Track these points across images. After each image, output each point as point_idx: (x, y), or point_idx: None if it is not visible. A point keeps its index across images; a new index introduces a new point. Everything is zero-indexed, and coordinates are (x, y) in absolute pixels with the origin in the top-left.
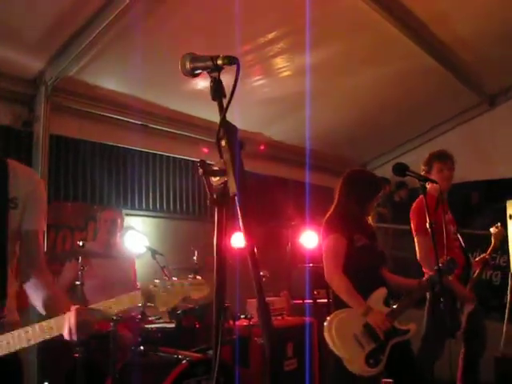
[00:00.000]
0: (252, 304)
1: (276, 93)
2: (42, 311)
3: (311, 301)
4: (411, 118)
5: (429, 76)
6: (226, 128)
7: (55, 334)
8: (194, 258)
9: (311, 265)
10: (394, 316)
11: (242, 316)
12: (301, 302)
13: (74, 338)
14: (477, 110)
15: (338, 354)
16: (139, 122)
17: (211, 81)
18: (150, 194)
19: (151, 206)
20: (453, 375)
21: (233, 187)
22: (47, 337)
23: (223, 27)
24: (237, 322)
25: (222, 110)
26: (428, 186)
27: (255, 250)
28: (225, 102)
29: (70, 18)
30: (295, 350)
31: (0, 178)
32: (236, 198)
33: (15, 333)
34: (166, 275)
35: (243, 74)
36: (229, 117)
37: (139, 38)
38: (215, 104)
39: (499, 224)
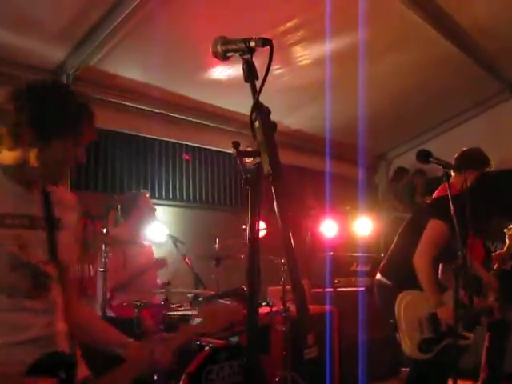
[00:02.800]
0: (273, 292)
1: (295, 82)
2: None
3: (331, 289)
4: (432, 106)
5: (450, 64)
6: (259, 109)
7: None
8: (216, 246)
9: (331, 253)
10: (460, 318)
11: (264, 303)
12: (321, 290)
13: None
14: (498, 97)
15: (398, 327)
16: (159, 111)
17: (243, 63)
18: (170, 183)
19: (171, 196)
20: (477, 363)
21: (267, 167)
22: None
23: (243, 16)
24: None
25: (255, 92)
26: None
27: (290, 230)
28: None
29: (92, 8)
30: (316, 338)
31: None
32: (270, 177)
33: None
34: (187, 263)
35: (262, 63)
36: (247, 106)
37: (160, 26)
38: (234, 93)
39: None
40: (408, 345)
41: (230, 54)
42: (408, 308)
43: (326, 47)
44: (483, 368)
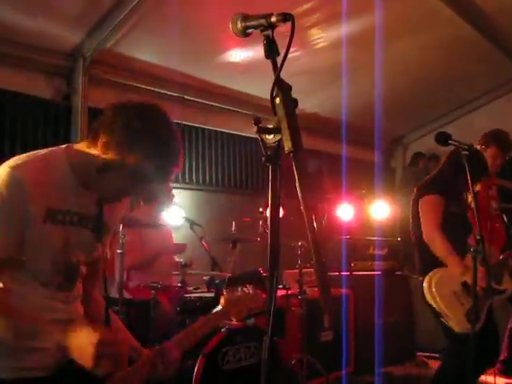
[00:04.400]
0: (289, 275)
1: (312, 64)
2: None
3: (348, 273)
4: (450, 90)
5: (469, 47)
6: (281, 86)
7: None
8: (232, 229)
9: (348, 237)
10: (490, 275)
11: (280, 286)
12: (337, 273)
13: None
14: None
15: (439, 311)
16: (176, 94)
17: (264, 39)
18: (187, 166)
19: (187, 179)
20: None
21: (288, 144)
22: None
23: None
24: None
25: (276, 69)
26: None
27: (311, 209)
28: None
29: None
30: (331, 321)
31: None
32: (292, 154)
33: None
34: (204, 246)
35: (280, 45)
36: (264, 89)
37: (175, 8)
38: (251, 76)
39: None
40: (455, 321)
41: (250, 31)
42: (439, 287)
43: (343, 30)
44: (504, 349)
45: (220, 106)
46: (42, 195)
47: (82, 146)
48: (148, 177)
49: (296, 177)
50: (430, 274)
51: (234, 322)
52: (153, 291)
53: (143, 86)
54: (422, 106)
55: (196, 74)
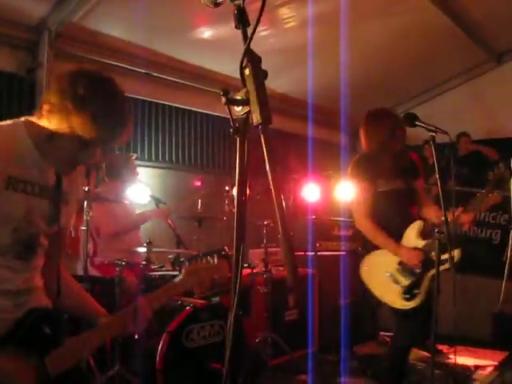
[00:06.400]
0: (255, 254)
1: (281, 44)
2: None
3: (313, 253)
4: (418, 73)
5: (438, 31)
6: (250, 57)
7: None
8: (198, 207)
9: (314, 217)
10: (430, 247)
11: (246, 265)
12: (303, 253)
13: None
14: (485, 66)
15: (375, 294)
16: (143, 71)
17: (235, 9)
18: (153, 144)
19: (154, 157)
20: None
21: (257, 116)
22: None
23: None
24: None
25: (246, 39)
26: None
27: (280, 183)
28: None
29: None
30: (296, 300)
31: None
32: (260, 127)
33: None
34: (170, 224)
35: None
36: (232, 67)
37: None
38: (222, 54)
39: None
40: (392, 299)
41: (220, 1)
42: (374, 270)
43: (310, 10)
44: None
45: (189, 83)
46: (3, 163)
47: (35, 118)
48: (95, 140)
49: (264, 150)
50: (366, 257)
51: (199, 299)
52: (118, 268)
53: (110, 62)
54: (389, 88)
55: (165, 50)
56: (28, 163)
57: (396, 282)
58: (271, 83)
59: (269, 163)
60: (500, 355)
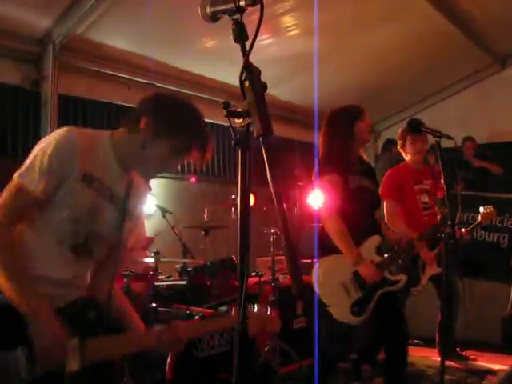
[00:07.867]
0: (262, 262)
1: (284, 52)
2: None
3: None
4: (422, 78)
5: (441, 36)
6: (250, 69)
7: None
8: (204, 216)
9: (320, 224)
10: (384, 266)
11: (253, 273)
12: (310, 261)
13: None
14: (488, 71)
15: (323, 301)
16: (147, 81)
17: (233, 23)
18: None
19: None
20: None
21: (257, 128)
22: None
23: None
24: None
25: (245, 53)
26: (406, 157)
27: (281, 193)
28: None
29: None
30: (304, 308)
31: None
32: (261, 138)
33: None
34: (176, 234)
35: (250, 33)
36: (235, 76)
37: None
38: (224, 64)
39: (491, 206)
40: (340, 312)
41: (219, 16)
42: (327, 276)
43: (315, 17)
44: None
45: (192, 93)
46: (86, 160)
47: (123, 131)
48: (185, 149)
49: (265, 161)
50: (321, 260)
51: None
52: (125, 279)
53: (114, 73)
54: (395, 94)
55: (168, 61)
56: (105, 168)
57: (347, 292)
58: (274, 91)
59: (270, 173)
60: (510, 359)
